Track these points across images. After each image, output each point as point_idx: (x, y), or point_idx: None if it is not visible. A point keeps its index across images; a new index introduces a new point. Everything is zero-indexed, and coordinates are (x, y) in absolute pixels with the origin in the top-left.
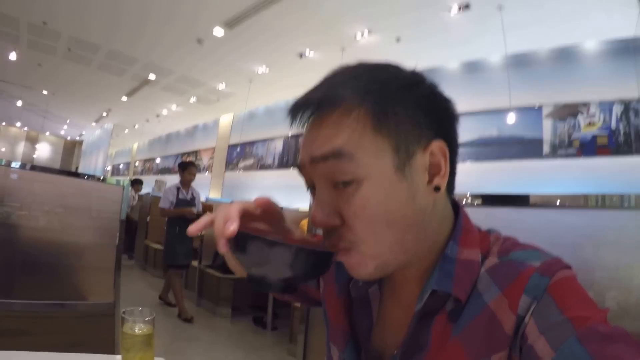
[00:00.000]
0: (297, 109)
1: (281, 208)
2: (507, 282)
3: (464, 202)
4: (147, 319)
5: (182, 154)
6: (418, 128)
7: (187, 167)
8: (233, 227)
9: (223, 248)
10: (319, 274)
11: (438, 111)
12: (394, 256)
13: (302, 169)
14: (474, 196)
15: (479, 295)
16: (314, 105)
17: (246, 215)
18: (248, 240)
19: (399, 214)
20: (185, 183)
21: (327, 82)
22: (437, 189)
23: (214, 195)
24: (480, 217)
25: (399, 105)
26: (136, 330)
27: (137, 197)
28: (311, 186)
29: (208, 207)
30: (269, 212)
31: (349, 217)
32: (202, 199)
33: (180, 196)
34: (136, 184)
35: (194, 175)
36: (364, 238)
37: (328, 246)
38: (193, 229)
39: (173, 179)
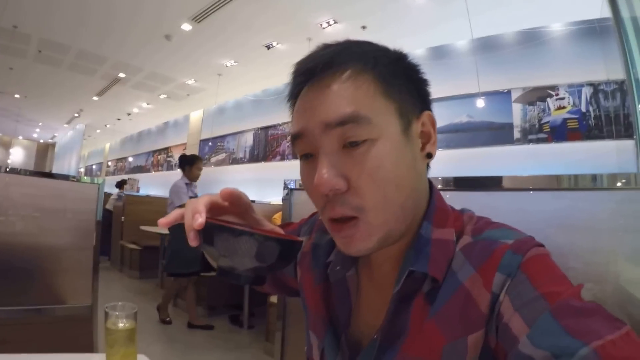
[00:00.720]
0: (302, 70)
1: (251, 200)
2: (481, 260)
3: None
4: (129, 313)
5: (154, 152)
6: (413, 97)
7: (195, 162)
8: (201, 219)
9: (193, 241)
10: (286, 263)
11: (423, 85)
12: (397, 224)
13: (303, 136)
14: (445, 180)
15: (453, 275)
16: (322, 66)
17: (215, 208)
18: (215, 231)
19: (406, 176)
20: (194, 179)
21: (329, 49)
22: (429, 155)
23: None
24: (452, 201)
25: (399, 74)
26: (119, 325)
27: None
28: (307, 154)
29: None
30: (237, 204)
31: (360, 178)
32: None
33: (190, 194)
34: (124, 184)
35: (201, 170)
36: (373, 202)
37: (333, 214)
38: (163, 221)
39: (145, 177)
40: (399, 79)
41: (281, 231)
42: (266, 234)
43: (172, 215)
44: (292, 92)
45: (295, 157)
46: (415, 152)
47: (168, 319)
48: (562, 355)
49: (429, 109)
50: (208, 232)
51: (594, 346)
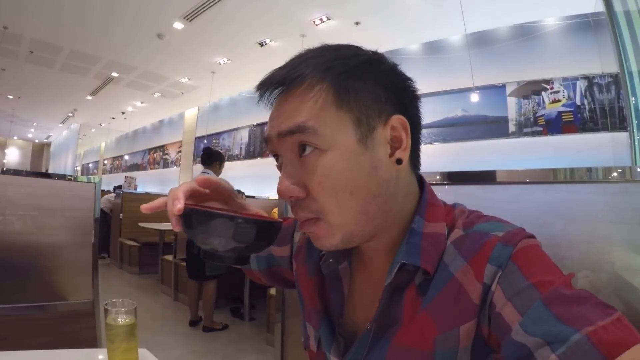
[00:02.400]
0: (263, 86)
1: (250, 196)
2: (472, 252)
3: (433, 182)
4: (129, 309)
5: (150, 150)
6: (378, 103)
7: (223, 159)
8: (179, 204)
9: (176, 226)
10: (264, 243)
11: (398, 88)
12: (360, 227)
13: (269, 143)
14: (441, 174)
15: (445, 267)
16: (277, 83)
17: (196, 195)
18: (193, 215)
19: (361, 183)
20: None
21: (291, 61)
22: (399, 161)
23: None
24: (449, 195)
25: (360, 81)
26: (119, 321)
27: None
28: (277, 157)
29: None
30: (218, 190)
31: (314, 187)
32: None
33: None
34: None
35: None
36: (328, 207)
37: (297, 217)
38: (146, 207)
39: (142, 175)
40: (363, 84)
41: (264, 214)
42: (242, 216)
43: (156, 203)
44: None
45: None
46: (377, 159)
47: (221, 325)
48: (555, 342)
49: (407, 112)
50: (187, 217)
51: (586, 332)
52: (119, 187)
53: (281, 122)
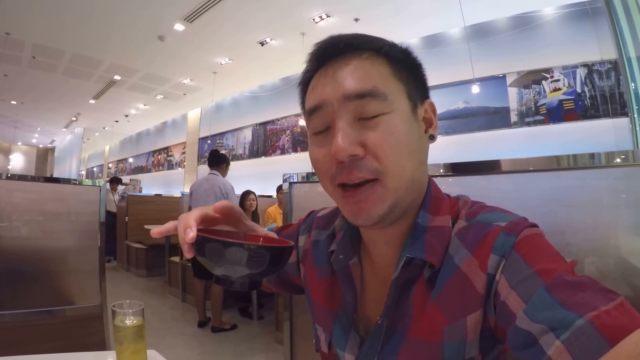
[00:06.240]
0: (320, 49)
1: (241, 210)
2: (476, 243)
3: (437, 174)
4: (136, 310)
5: (154, 152)
6: (416, 86)
7: (229, 161)
8: (192, 233)
9: (188, 253)
10: (277, 268)
11: (424, 78)
12: (405, 195)
13: (321, 109)
14: (445, 166)
15: (450, 259)
16: (342, 48)
17: (207, 220)
18: (206, 244)
19: (415, 147)
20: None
21: (342, 36)
22: (432, 137)
23: (188, 190)
24: (454, 186)
25: (404, 65)
26: (127, 322)
27: (117, 197)
28: (321, 130)
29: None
30: (229, 214)
31: (378, 144)
32: (178, 194)
33: None
34: (112, 183)
35: None
36: (389, 165)
37: (350, 179)
38: (156, 232)
39: (147, 177)
40: (406, 68)
41: (274, 236)
42: (256, 244)
43: (165, 227)
44: (305, 77)
45: (295, 151)
46: (421, 131)
47: (230, 325)
48: (559, 328)
49: (429, 98)
50: (200, 245)
51: (589, 317)
52: (114, 180)
53: (349, 85)
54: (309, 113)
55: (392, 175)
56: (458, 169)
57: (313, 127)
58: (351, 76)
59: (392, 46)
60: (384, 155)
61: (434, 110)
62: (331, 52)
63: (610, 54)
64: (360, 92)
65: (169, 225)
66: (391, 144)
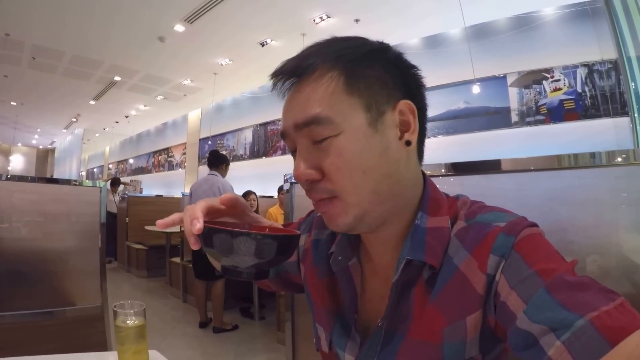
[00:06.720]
0: (276, 77)
1: (246, 202)
2: (475, 244)
3: (438, 174)
4: (137, 310)
5: (154, 152)
6: (386, 89)
7: (229, 162)
8: (199, 224)
9: (194, 245)
10: (285, 257)
11: (404, 75)
12: (372, 207)
13: (286, 137)
14: (445, 165)
15: (450, 260)
16: (289, 73)
17: (212, 212)
18: (214, 234)
19: (373, 163)
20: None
21: (302, 52)
22: (408, 143)
23: (188, 191)
24: (455, 186)
25: (368, 68)
26: (129, 323)
27: (118, 198)
28: (294, 150)
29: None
30: (234, 205)
31: (328, 168)
32: (179, 195)
33: None
34: (113, 185)
35: None
36: (342, 186)
37: (312, 198)
38: (161, 223)
39: (147, 178)
40: (371, 71)
41: (279, 226)
42: (263, 233)
43: (171, 219)
44: (280, 95)
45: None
46: (387, 141)
47: (231, 325)
48: (559, 328)
49: (414, 97)
50: (207, 236)
51: (590, 317)
52: (114, 181)
53: (296, 114)
54: (281, 137)
55: (348, 192)
56: (459, 168)
57: (288, 148)
58: (298, 104)
59: (348, 53)
60: (336, 177)
61: (412, 110)
62: (286, 78)
63: (611, 53)
64: (304, 120)
65: (175, 216)
66: (340, 167)
